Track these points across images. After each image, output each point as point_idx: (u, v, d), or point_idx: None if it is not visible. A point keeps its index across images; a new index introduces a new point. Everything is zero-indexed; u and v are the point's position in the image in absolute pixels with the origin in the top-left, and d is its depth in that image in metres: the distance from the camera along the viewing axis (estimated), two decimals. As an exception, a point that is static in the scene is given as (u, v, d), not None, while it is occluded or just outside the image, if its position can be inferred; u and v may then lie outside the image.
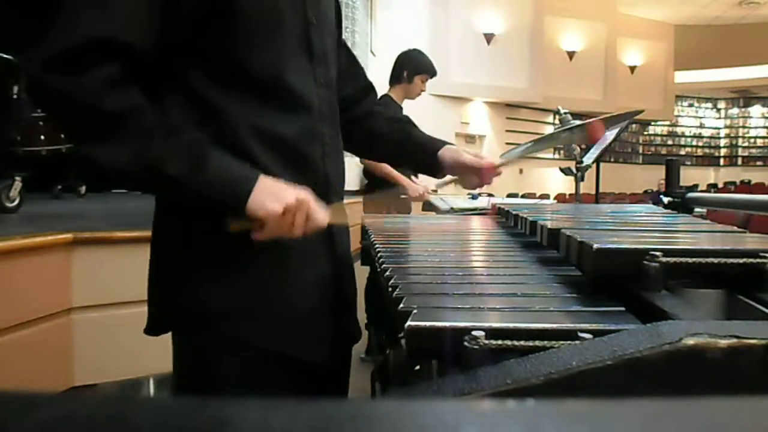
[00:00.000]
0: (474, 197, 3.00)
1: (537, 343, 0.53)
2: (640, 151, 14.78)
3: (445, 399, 0.49)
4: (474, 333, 0.52)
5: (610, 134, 2.66)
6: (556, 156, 11.69)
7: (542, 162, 11.38)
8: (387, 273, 0.80)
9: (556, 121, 7.19)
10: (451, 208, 2.53)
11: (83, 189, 4.32)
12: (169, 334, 0.93)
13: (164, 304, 0.92)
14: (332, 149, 0.99)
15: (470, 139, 10.84)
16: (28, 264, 1.67)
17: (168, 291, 0.91)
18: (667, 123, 14.84)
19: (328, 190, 0.97)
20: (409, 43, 3.53)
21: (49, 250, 1.74)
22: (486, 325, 0.55)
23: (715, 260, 0.63)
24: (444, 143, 1.15)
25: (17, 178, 2.79)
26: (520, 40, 10.87)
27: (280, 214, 0.82)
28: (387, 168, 2.84)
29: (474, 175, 1.12)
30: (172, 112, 0.87)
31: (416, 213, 3.02)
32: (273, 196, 0.82)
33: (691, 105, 15.46)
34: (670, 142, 15.20)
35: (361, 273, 1.33)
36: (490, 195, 3.10)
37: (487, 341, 0.52)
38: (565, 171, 2.64)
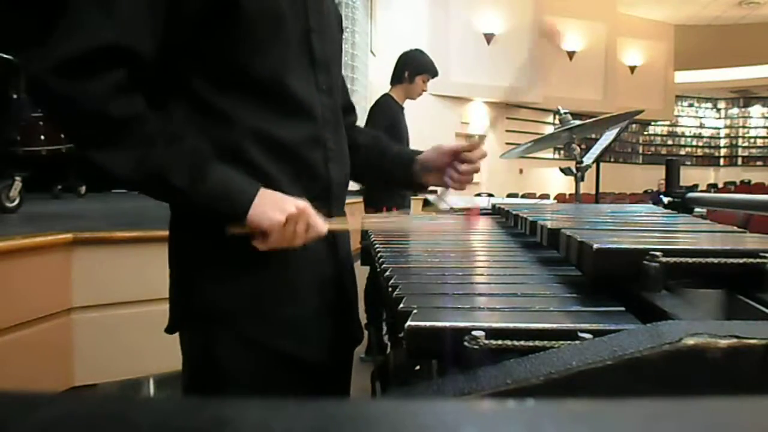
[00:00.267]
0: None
1: (537, 343, 0.53)
2: (640, 151, 14.79)
3: (445, 399, 0.49)
4: (474, 333, 0.52)
5: (611, 134, 2.66)
6: (556, 156, 11.69)
7: (542, 162, 11.38)
8: (387, 273, 0.80)
9: (556, 121, 7.20)
10: (451, 208, 2.53)
11: (83, 189, 4.33)
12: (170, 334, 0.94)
13: (178, 304, 0.94)
14: (336, 154, 0.99)
15: (470, 139, 10.85)
16: (28, 264, 1.67)
17: (181, 291, 0.93)
18: (667, 123, 14.85)
19: (331, 195, 0.98)
20: (409, 43, 3.53)
21: (49, 250, 1.74)
22: (486, 325, 0.55)
23: (715, 260, 0.63)
24: (421, 152, 1.14)
25: (17, 178, 2.79)
26: (520, 40, 10.88)
27: (282, 223, 0.83)
28: None
29: (455, 164, 1.07)
30: (176, 117, 0.88)
31: (416, 213, 3.02)
32: (274, 206, 0.83)
33: (691, 105, 15.47)
34: (670, 142, 15.21)
35: (362, 273, 1.33)
36: (490, 195, 3.10)
37: (487, 341, 0.52)
38: (565, 171, 2.64)
